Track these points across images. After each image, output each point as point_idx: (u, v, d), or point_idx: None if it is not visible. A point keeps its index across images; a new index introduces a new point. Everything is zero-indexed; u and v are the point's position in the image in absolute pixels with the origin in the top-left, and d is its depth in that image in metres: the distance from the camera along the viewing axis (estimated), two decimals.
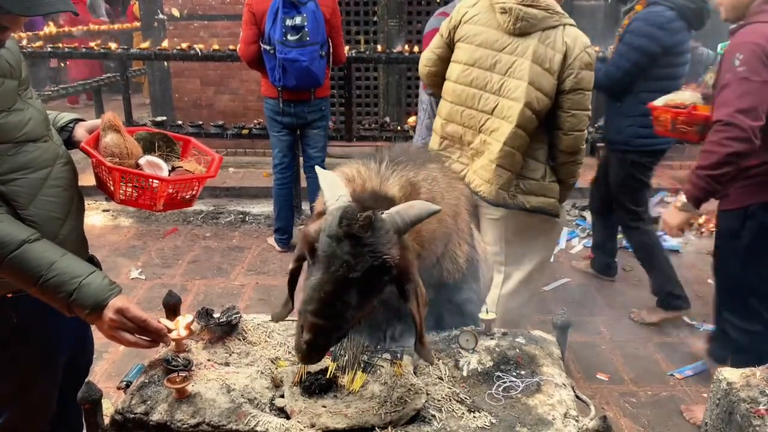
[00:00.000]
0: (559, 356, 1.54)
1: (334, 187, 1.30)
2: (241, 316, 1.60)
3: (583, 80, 2.28)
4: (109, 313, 1.40)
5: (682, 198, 2.44)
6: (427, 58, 2.56)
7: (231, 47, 5.05)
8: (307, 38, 3.77)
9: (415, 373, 1.43)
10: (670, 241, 4.41)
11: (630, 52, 3.28)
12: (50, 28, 7.43)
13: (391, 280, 1.25)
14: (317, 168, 1.40)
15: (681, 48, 3.34)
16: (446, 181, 1.61)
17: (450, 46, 2.46)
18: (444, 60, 2.49)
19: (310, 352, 1.18)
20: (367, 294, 1.22)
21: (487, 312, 1.59)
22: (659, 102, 2.87)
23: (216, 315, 1.58)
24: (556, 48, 2.26)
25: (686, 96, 2.82)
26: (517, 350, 1.52)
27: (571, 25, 2.31)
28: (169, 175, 1.68)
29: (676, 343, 3.37)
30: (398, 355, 1.48)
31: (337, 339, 1.26)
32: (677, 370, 3.12)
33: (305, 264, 1.33)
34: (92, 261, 1.75)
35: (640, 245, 3.64)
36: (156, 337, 1.43)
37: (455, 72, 2.41)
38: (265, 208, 5.23)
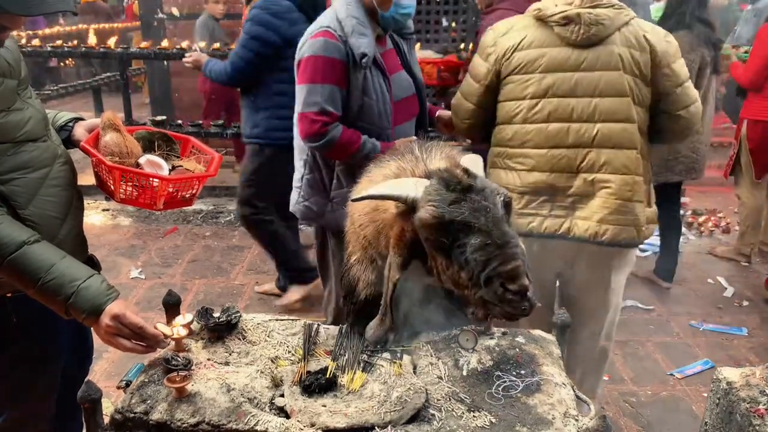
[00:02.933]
0: (559, 356, 1.54)
1: (400, 184, 1.28)
2: (240, 316, 1.60)
3: (680, 74, 2.01)
4: (105, 319, 1.40)
5: None
6: (464, 111, 2.16)
7: (231, 47, 5.04)
8: None
9: (414, 372, 1.43)
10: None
11: (249, 42, 3.10)
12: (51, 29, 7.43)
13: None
14: (363, 194, 1.33)
15: None
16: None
17: (491, 87, 2.07)
18: (486, 107, 2.12)
19: (530, 298, 1.15)
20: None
21: None
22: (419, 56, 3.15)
23: (216, 314, 1.58)
24: (642, 47, 1.97)
25: (430, 53, 3.38)
26: (517, 350, 1.52)
27: (631, 14, 2.02)
28: (169, 174, 1.68)
29: (676, 342, 3.38)
30: (398, 354, 1.48)
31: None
32: (677, 370, 3.12)
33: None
34: (92, 261, 1.75)
35: (266, 236, 3.51)
36: (152, 342, 1.43)
37: (521, 111, 2.01)
38: None
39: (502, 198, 1.19)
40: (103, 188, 1.69)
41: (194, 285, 3.95)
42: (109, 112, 1.67)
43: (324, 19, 2.21)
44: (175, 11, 6.06)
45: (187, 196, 1.72)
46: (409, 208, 1.25)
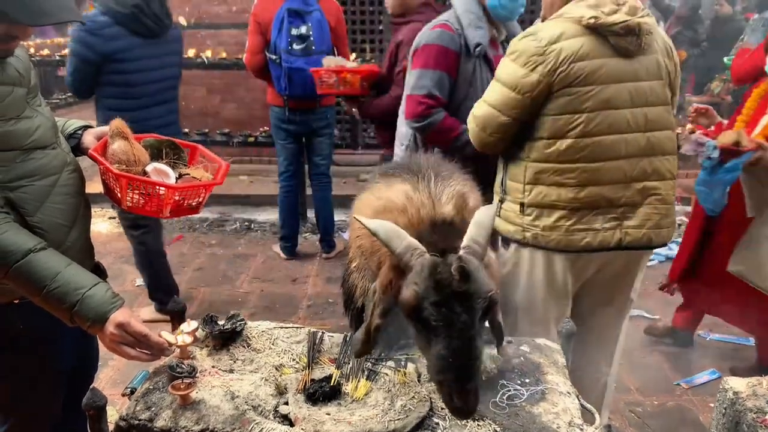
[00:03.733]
0: (564, 365, 1.54)
1: (399, 237, 1.26)
2: (245, 323, 1.61)
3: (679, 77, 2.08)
4: (110, 327, 1.40)
5: None
6: (496, 124, 1.98)
7: (238, 56, 5.08)
8: (313, 47, 3.79)
9: (419, 380, 1.43)
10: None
11: (71, 59, 3.07)
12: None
13: None
14: (364, 220, 1.30)
15: (126, 55, 3.07)
16: (471, 184, 1.62)
17: (538, 99, 1.91)
18: (523, 121, 1.97)
19: (468, 411, 1.19)
20: (482, 328, 1.23)
21: None
22: (325, 64, 3.28)
23: (221, 322, 1.58)
24: (670, 55, 2.00)
25: (338, 60, 3.39)
26: (522, 358, 1.52)
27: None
28: (176, 182, 1.69)
29: (682, 352, 3.35)
30: (402, 362, 1.48)
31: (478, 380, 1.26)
32: (684, 380, 3.10)
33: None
34: (98, 268, 1.76)
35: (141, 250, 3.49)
36: (156, 351, 1.43)
37: (579, 125, 1.90)
38: (270, 215, 5.24)
39: (486, 303, 1.20)
40: (110, 196, 1.70)
41: (200, 293, 3.95)
42: (118, 120, 1.68)
43: (443, 15, 2.46)
44: (183, 21, 6.11)
45: (194, 204, 1.73)
46: (399, 264, 1.25)
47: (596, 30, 1.86)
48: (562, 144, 1.92)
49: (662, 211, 2.00)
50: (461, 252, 1.22)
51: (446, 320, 1.17)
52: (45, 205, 1.52)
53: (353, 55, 3.42)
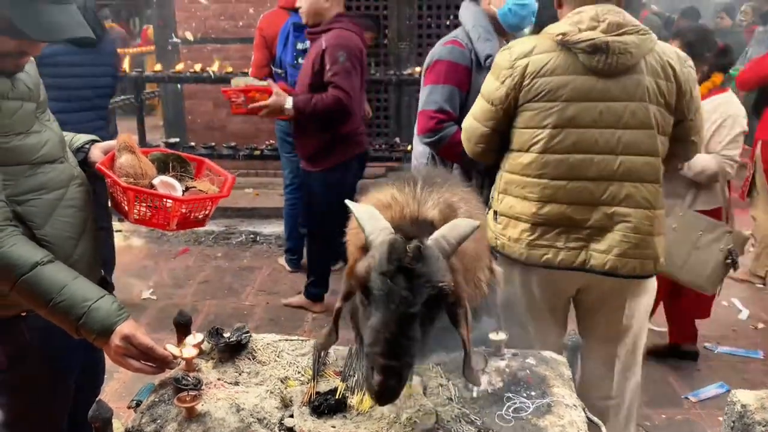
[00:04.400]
0: (570, 377, 1.53)
1: (374, 219, 1.27)
2: (251, 336, 1.61)
3: (697, 99, 1.96)
4: (115, 339, 1.40)
5: None
6: (478, 135, 2.04)
7: (244, 70, 5.12)
8: None
9: (424, 393, 1.43)
10: None
11: None
12: None
13: (445, 306, 1.23)
14: (349, 203, 1.33)
15: (58, 60, 3.23)
16: (475, 202, 1.61)
17: (509, 111, 1.95)
18: (501, 132, 2.01)
19: (383, 392, 1.16)
20: (428, 324, 1.21)
21: (497, 333, 1.58)
22: (234, 84, 3.33)
23: (226, 334, 1.59)
24: (667, 76, 1.88)
25: (246, 80, 3.44)
26: (528, 371, 1.51)
27: (655, 39, 1.91)
28: (182, 195, 1.70)
29: (690, 365, 3.33)
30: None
31: (410, 374, 1.24)
32: (692, 393, 3.07)
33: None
34: (104, 281, 1.77)
35: None
36: (161, 363, 1.43)
37: (540, 140, 1.90)
38: (276, 228, 5.25)
39: (435, 291, 1.17)
40: (118, 209, 1.71)
41: (205, 306, 3.96)
42: (125, 134, 1.70)
43: (453, 32, 2.51)
44: (189, 36, 6.17)
45: (200, 216, 1.74)
46: (366, 245, 1.25)
47: (568, 47, 1.85)
48: (526, 158, 1.93)
49: (632, 240, 1.89)
50: (427, 241, 1.22)
51: (387, 292, 1.15)
52: (53, 219, 1.53)
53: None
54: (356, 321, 1.35)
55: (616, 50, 1.81)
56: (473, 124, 2.06)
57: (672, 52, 1.93)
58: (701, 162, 2.85)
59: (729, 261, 2.80)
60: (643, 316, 2.13)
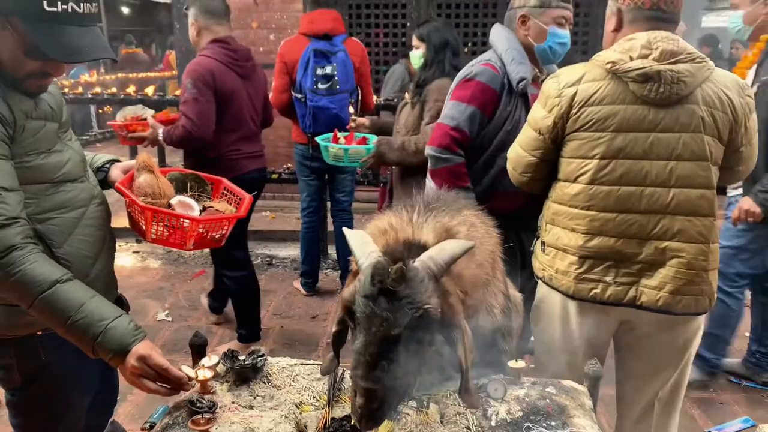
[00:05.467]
0: (591, 407, 1.49)
1: (363, 245, 1.28)
2: (266, 359, 1.59)
3: (752, 129, 1.87)
4: (131, 360, 1.39)
5: None
6: (524, 164, 1.99)
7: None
8: (337, 87, 3.84)
9: (441, 422, 1.39)
10: None
11: None
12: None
13: (437, 329, 1.22)
14: (345, 230, 1.36)
15: None
16: (484, 228, 1.58)
17: (557, 140, 1.90)
18: (549, 161, 1.96)
19: (364, 416, 1.15)
20: (416, 347, 1.19)
21: (516, 360, 1.55)
22: (118, 119, 3.33)
23: (241, 357, 1.57)
24: (723, 107, 1.79)
25: (136, 109, 3.42)
26: (548, 400, 1.47)
27: (711, 67, 1.81)
28: (200, 214, 1.70)
29: (714, 398, 3.24)
30: (425, 403, 1.44)
31: (398, 399, 1.22)
32: (716, 428, 2.98)
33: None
34: (120, 300, 1.77)
35: None
36: (176, 385, 1.42)
37: (588, 171, 1.84)
38: (292, 251, 5.24)
39: (419, 313, 1.16)
40: (136, 228, 1.72)
41: (219, 328, 3.94)
42: (144, 153, 1.71)
43: (485, 55, 2.42)
44: None
45: (217, 236, 1.74)
46: (357, 269, 1.26)
47: (618, 75, 1.79)
48: (573, 188, 1.88)
49: (686, 276, 1.81)
50: (413, 262, 1.22)
51: (367, 313, 1.16)
52: (72, 237, 1.54)
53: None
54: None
55: (669, 79, 1.74)
56: (519, 152, 2.00)
57: (731, 80, 1.84)
58: None
59: None
60: (690, 355, 2.00)
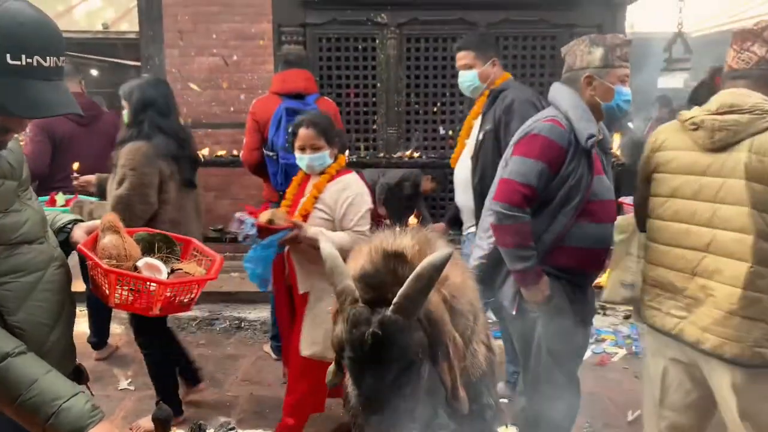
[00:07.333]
0: None
1: (341, 275, 1.36)
2: (235, 431, 1.48)
3: None
4: None
5: None
6: (638, 199, 2.29)
7: (234, 153, 5.15)
8: None
9: None
10: None
11: None
12: None
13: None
14: (321, 243, 1.45)
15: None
16: (462, 269, 1.64)
17: (648, 179, 2.18)
18: (647, 198, 2.20)
19: None
20: (411, 379, 1.30)
21: (507, 427, 1.47)
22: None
23: (210, 430, 1.45)
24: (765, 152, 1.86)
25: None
26: None
27: None
28: (168, 277, 1.61)
29: None
30: None
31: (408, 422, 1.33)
32: None
33: None
34: (79, 370, 1.64)
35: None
36: None
37: (656, 207, 2.13)
38: (261, 313, 5.09)
39: (406, 365, 1.28)
40: (98, 292, 1.62)
41: (186, 397, 3.75)
42: (110, 213, 1.63)
43: (548, 111, 2.43)
44: (180, 121, 6.24)
45: (185, 300, 1.64)
46: (337, 297, 1.37)
47: (683, 124, 2.04)
48: (648, 223, 2.17)
49: (715, 316, 1.90)
50: (389, 310, 1.28)
51: (356, 376, 1.30)
52: (27, 303, 1.43)
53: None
54: None
55: (711, 127, 1.93)
56: (637, 196, 2.31)
57: None
58: (338, 240, 2.65)
59: None
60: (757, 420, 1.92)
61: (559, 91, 2.45)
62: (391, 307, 1.26)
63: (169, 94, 3.15)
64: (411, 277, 1.27)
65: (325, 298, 2.68)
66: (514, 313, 2.39)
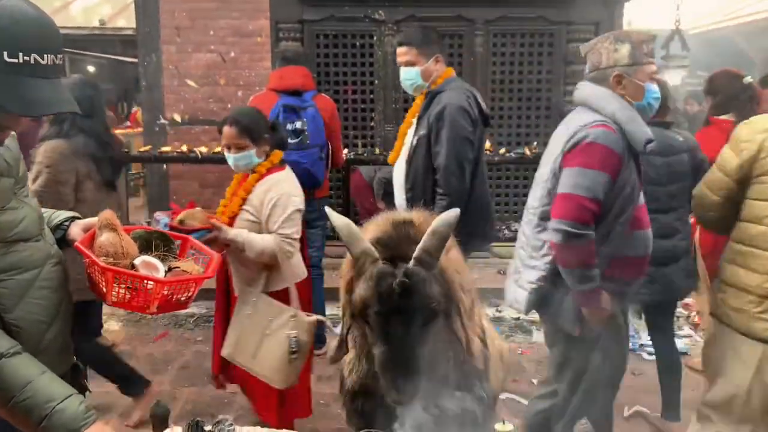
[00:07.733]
0: None
1: (357, 239, 1.44)
2: (234, 429, 1.48)
3: None
4: None
5: None
6: (708, 203, 2.13)
7: None
8: (308, 141, 3.84)
9: None
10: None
11: None
12: None
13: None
14: (328, 211, 1.54)
15: None
16: (459, 250, 1.72)
17: (742, 182, 2.01)
18: (733, 201, 2.06)
19: (402, 401, 1.39)
20: (428, 330, 1.41)
21: (504, 423, 1.48)
22: None
23: (207, 427, 1.46)
24: None
25: None
26: None
27: None
28: (165, 275, 1.61)
29: None
30: None
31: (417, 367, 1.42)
32: None
33: None
34: (76, 368, 1.64)
35: None
36: None
37: (760, 212, 1.96)
38: None
39: (429, 312, 1.40)
40: (95, 290, 1.62)
41: (183, 393, 3.75)
42: (108, 211, 1.62)
43: (587, 117, 2.18)
44: (177, 117, 6.24)
45: (183, 298, 1.64)
46: (356, 266, 1.45)
47: None
48: (756, 229, 1.97)
49: None
50: (410, 263, 1.39)
51: (384, 330, 1.37)
52: (24, 301, 1.43)
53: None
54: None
55: None
56: (705, 192, 2.14)
57: None
58: (260, 243, 2.59)
59: (293, 349, 2.52)
60: None
61: (595, 92, 2.22)
62: (412, 261, 1.38)
63: (94, 96, 3.14)
64: (428, 232, 1.40)
65: (248, 302, 2.60)
66: (576, 334, 2.20)
